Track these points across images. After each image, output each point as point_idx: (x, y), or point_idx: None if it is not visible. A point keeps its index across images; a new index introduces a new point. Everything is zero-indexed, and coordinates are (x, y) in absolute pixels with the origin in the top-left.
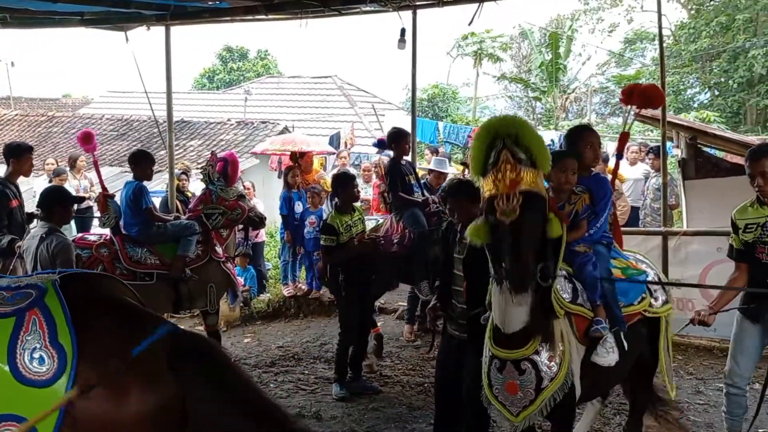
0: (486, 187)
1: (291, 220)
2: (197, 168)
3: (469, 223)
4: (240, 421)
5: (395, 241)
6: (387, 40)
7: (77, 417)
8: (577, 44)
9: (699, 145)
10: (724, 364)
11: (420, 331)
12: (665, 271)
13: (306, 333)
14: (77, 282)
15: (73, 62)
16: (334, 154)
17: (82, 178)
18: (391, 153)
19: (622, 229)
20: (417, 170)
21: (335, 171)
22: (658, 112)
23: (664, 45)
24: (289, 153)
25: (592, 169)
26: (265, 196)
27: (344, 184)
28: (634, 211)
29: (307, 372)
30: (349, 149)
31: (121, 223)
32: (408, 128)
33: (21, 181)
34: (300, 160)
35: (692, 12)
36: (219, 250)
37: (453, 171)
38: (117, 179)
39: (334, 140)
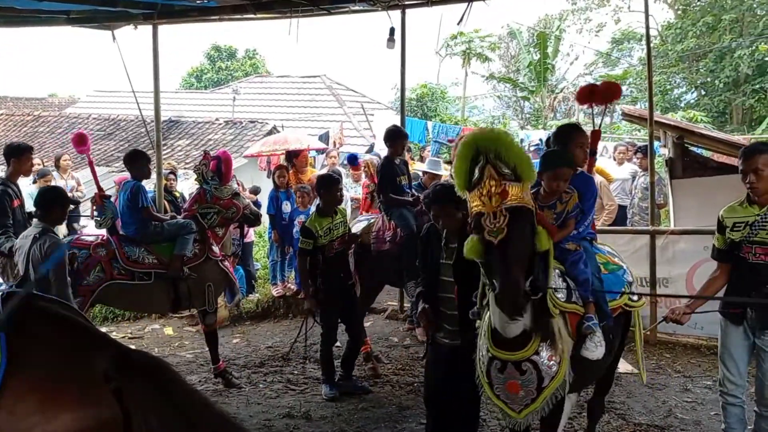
0: (472, 203)
1: (279, 219)
2: (185, 168)
3: (453, 228)
4: None
5: (388, 239)
6: (376, 40)
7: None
8: (565, 44)
9: (686, 145)
10: (711, 362)
11: (408, 330)
12: (653, 269)
13: (295, 333)
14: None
15: (59, 61)
16: (325, 151)
17: (69, 178)
18: (380, 153)
19: (611, 228)
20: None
21: (324, 171)
22: (645, 112)
23: (651, 45)
24: (281, 153)
25: (579, 168)
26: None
27: (327, 186)
28: (622, 210)
29: (296, 372)
30: (338, 149)
31: (118, 222)
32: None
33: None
34: (295, 159)
35: (679, 12)
36: (216, 248)
37: (446, 173)
38: (104, 179)
39: (323, 140)
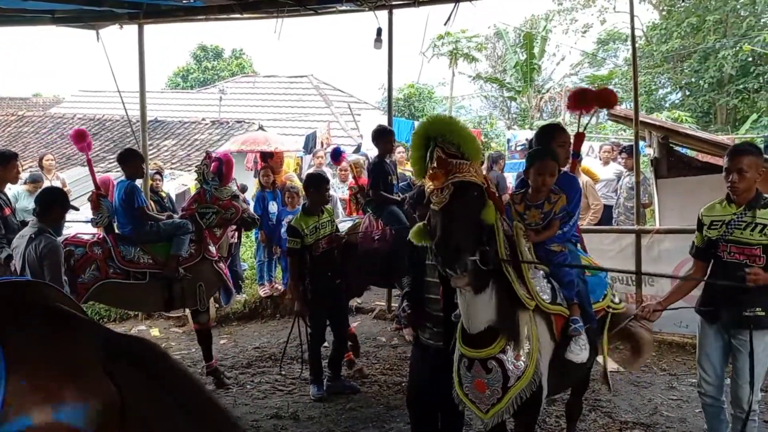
0: (427, 185)
1: (265, 219)
2: (171, 168)
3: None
4: (181, 423)
5: (376, 237)
6: (363, 40)
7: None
8: (551, 44)
9: (671, 145)
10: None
11: (396, 330)
12: (638, 268)
13: (283, 333)
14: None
15: (43, 61)
16: (300, 152)
17: (54, 179)
18: (368, 153)
19: (597, 227)
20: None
21: (311, 170)
22: (630, 112)
23: (637, 45)
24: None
25: (561, 168)
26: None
27: (317, 185)
28: (608, 209)
29: (284, 373)
30: (326, 149)
31: (114, 222)
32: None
33: None
34: (269, 160)
35: (664, 13)
36: (212, 249)
37: None
38: (88, 180)
39: (311, 140)
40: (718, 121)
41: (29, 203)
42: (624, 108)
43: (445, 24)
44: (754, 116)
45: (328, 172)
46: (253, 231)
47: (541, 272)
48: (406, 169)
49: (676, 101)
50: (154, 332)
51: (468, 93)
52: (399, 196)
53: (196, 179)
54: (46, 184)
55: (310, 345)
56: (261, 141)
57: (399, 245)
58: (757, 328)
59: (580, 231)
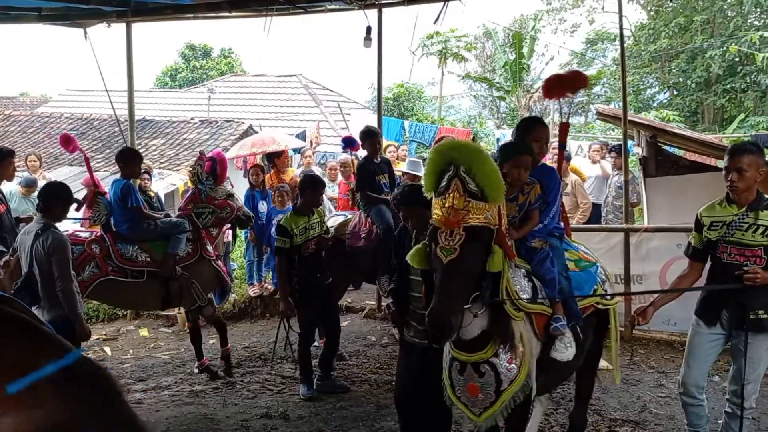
0: (434, 210)
1: (255, 219)
2: (159, 167)
3: (423, 229)
4: None
5: (362, 235)
6: (352, 39)
7: None
8: (540, 44)
9: (659, 144)
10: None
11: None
12: (627, 266)
13: (272, 333)
14: None
15: (30, 60)
16: (303, 147)
17: (41, 178)
18: (356, 153)
19: (585, 226)
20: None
21: (300, 170)
22: (619, 111)
23: (625, 45)
24: (258, 154)
25: (542, 161)
26: None
27: (314, 187)
28: (596, 208)
29: (273, 372)
30: (315, 148)
31: (111, 220)
32: (375, 127)
33: None
34: (276, 159)
35: (652, 13)
36: (210, 248)
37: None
38: (77, 179)
39: (300, 139)
40: (705, 121)
41: (21, 206)
42: (613, 107)
43: (434, 23)
44: (742, 116)
45: (317, 171)
46: (243, 230)
47: (522, 270)
48: (398, 169)
49: (664, 101)
50: (143, 332)
51: (457, 92)
52: (389, 195)
53: (190, 179)
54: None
55: (300, 345)
56: (269, 141)
57: (382, 244)
58: (758, 331)
59: (567, 223)
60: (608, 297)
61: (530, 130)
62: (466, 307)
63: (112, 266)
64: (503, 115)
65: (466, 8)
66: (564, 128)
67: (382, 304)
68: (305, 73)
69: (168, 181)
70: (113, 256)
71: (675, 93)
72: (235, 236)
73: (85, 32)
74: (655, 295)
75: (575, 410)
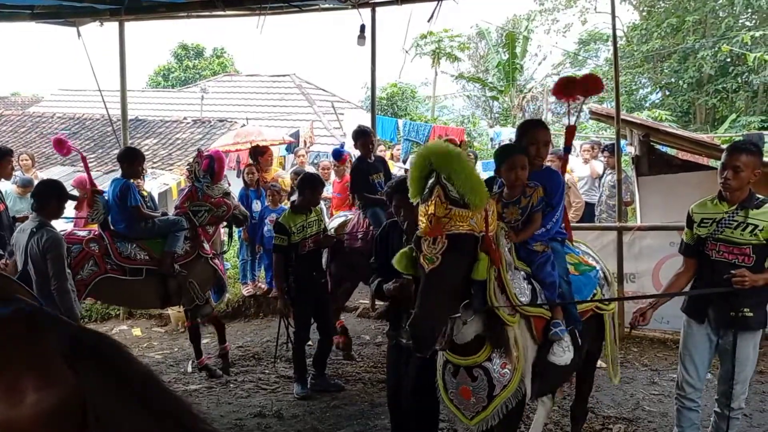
0: (419, 217)
1: (249, 218)
2: (152, 167)
3: (414, 222)
4: (144, 420)
5: (359, 236)
6: (345, 39)
7: None
8: (533, 44)
9: (651, 143)
10: (677, 356)
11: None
12: (620, 265)
13: (266, 332)
14: None
15: (22, 59)
16: (290, 143)
17: (34, 178)
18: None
19: (578, 224)
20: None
21: (293, 169)
22: (612, 110)
23: (617, 45)
24: (242, 149)
25: (544, 164)
26: None
27: (314, 187)
28: (589, 207)
29: (267, 371)
30: (308, 147)
31: (110, 219)
32: (368, 125)
33: None
34: (260, 158)
35: (644, 14)
36: (207, 246)
37: None
38: (69, 179)
39: (293, 139)
40: (697, 121)
41: (16, 206)
42: (605, 107)
43: (428, 21)
44: (733, 116)
45: (311, 171)
46: (237, 229)
47: (522, 273)
48: (399, 165)
49: (657, 101)
50: (136, 332)
51: (450, 92)
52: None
53: (187, 177)
54: None
55: (294, 343)
56: (254, 133)
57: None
58: (744, 329)
59: (569, 227)
60: (601, 292)
61: (527, 132)
62: (455, 315)
63: (110, 264)
64: (496, 114)
65: (459, 7)
66: (570, 132)
67: (376, 303)
68: (298, 73)
69: (161, 181)
70: (112, 254)
71: (667, 93)
72: (230, 236)
73: (78, 31)
74: (658, 298)
75: (575, 403)
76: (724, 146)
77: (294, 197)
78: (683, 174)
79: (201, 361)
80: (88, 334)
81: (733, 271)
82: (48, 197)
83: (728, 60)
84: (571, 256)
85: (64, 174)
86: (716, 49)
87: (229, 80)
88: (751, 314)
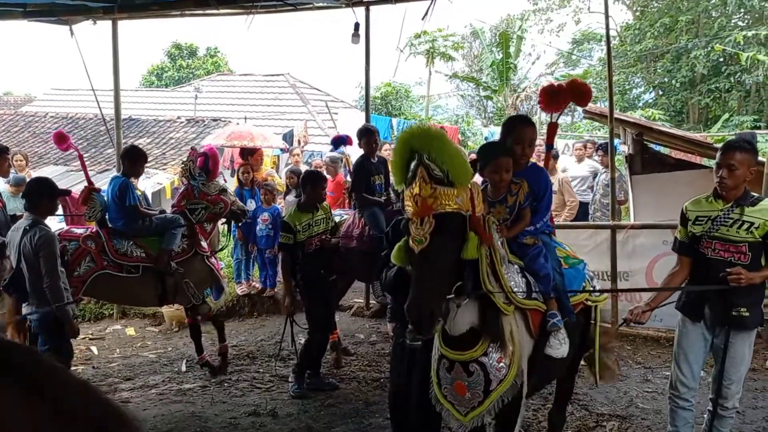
0: (406, 202)
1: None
2: (146, 166)
3: None
4: None
5: (355, 236)
6: (339, 39)
7: None
8: (526, 44)
9: (645, 142)
10: (670, 353)
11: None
12: (614, 263)
13: (260, 331)
14: None
15: (15, 59)
16: (283, 149)
17: (28, 177)
18: (344, 151)
19: (573, 223)
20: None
21: (289, 168)
22: (605, 109)
23: (611, 45)
24: (236, 147)
25: (531, 161)
26: None
27: (314, 182)
28: (584, 206)
29: (262, 370)
30: (302, 147)
31: (107, 216)
32: (362, 125)
33: None
34: (250, 157)
35: (637, 14)
36: (204, 244)
37: None
38: (63, 178)
39: (288, 138)
40: (690, 120)
41: (10, 204)
42: (599, 106)
43: (422, 19)
44: (726, 115)
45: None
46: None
47: (516, 266)
48: None
49: (650, 100)
50: (130, 331)
51: (445, 92)
52: (383, 196)
53: (183, 175)
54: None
55: (308, 344)
56: (245, 135)
57: (375, 250)
58: (740, 328)
59: (552, 220)
60: (598, 294)
61: (512, 130)
62: (448, 297)
63: (107, 261)
64: (490, 114)
65: (453, 6)
66: (552, 129)
67: (371, 302)
68: (292, 72)
69: (154, 180)
70: (108, 251)
71: (660, 93)
72: (230, 231)
73: (71, 29)
74: (650, 295)
75: (554, 409)
76: (717, 145)
77: (289, 196)
78: (676, 172)
79: (202, 357)
80: (13, 351)
81: (728, 269)
82: (39, 195)
83: (721, 59)
84: (559, 249)
85: (58, 173)
86: (709, 48)
87: (222, 80)
88: (747, 314)
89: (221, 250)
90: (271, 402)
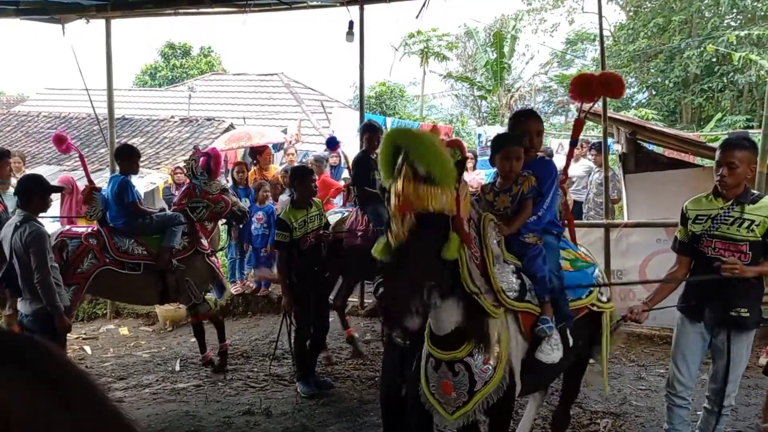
0: (391, 196)
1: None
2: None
3: None
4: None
5: (359, 234)
6: (333, 38)
7: None
8: (520, 44)
9: (638, 141)
10: (664, 351)
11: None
12: (607, 262)
13: (254, 331)
14: None
15: (7, 58)
16: (281, 143)
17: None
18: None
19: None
20: None
21: (283, 167)
22: (599, 109)
23: (604, 45)
24: (238, 148)
25: (539, 154)
26: None
27: (301, 177)
28: (577, 205)
29: (256, 369)
30: (293, 144)
31: (107, 215)
32: (356, 124)
33: None
34: (258, 156)
35: (630, 14)
36: (204, 242)
37: None
38: (55, 177)
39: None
40: (683, 120)
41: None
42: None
43: (416, 17)
44: (719, 115)
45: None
46: (225, 229)
47: (512, 266)
48: None
49: (643, 100)
50: (123, 331)
51: (439, 91)
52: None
53: (185, 174)
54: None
55: (296, 340)
56: (242, 136)
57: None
58: (740, 329)
59: (572, 225)
60: (598, 290)
61: (519, 123)
62: (423, 296)
63: (109, 258)
64: (484, 114)
65: (447, 5)
66: (579, 125)
67: (366, 300)
68: (286, 72)
69: (147, 180)
70: (110, 249)
71: (653, 92)
72: (230, 233)
73: (63, 28)
74: (647, 294)
75: (559, 408)
76: (711, 144)
77: (282, 196)
78: (669, 171)
79: (207, 356)
80: (11, 337)
81: (723, 259)
82: (30, 193)
83: (714, 59)
84: (568, 251)
85: (51, 173)
86: (702, 48)
87: (216, 79)
88: (747, 314)
89: (221, 250)
90: (266, 401)
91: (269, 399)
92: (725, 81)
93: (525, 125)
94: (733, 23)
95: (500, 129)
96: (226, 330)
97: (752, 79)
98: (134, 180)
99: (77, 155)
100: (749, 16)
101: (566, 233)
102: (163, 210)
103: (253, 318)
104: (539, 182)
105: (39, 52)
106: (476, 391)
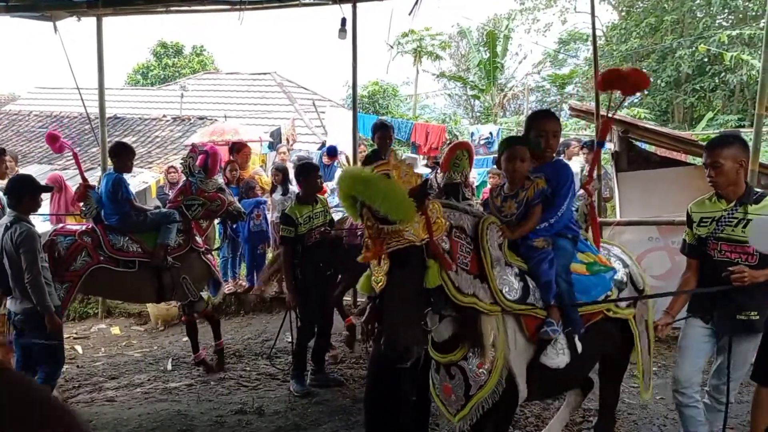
0: (363, 250)
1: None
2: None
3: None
4: None
5: (360, 233)
6: (326, 37)
7: None
8: (513, 44)
9: (630, 139)
10: (656, 349)
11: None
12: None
13: (247, 330)
14: None
15: None
16: (267, 142)
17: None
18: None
19: None
20: None
21: (275, 165)
22: (592, 107)
23: (597, 45)
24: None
25: (555, 156)
26: None
27: (306, 173)
28: None
29: (248, 369)
30: (291, 145)
31: (102, 213)
32: (349, 123)
33: None
34: (236, 155)
35: (623, 14)
36: (199, 240)
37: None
38: (45, 177)
39: (275, 136)
40: (675, 119)
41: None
42: (585, 104)
43: (409, 14)
44: (711, 114)
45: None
46: (218, 227)
47: (515, 268)
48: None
49: (635, 100)
50: (115, 330)
51: (432, 91)
52: None
53: (182, 171)
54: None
55: (298, 338)
56: (228, 131)
57: None
58: (749, 332)
59: (596, 226)
60: (622, 305)
61: (534, 123)
62: (423, 322)
63: (103, 256)
64: (478, 113)
65: (440, 3)
66: (606, 125)
67: (358, 299)
68: (279, 71)
69: (140, 179)
70: (104, 246)
71: (646, 92)
72: (225, 232)
73: (55, 26)
74: (671, 305)
75: (599, 422)
76: (702, 143)
77: (275, 194)
78: (661, 170)
79: (198, 355)
80: None
81: (730, 268)
82: (20, 193)
83: (706, 59)
84: (587, 254)
85: (42, 172)
86: (694, 48)
87: (208, 78)
88: (757, 317)
89: (217, 249)
90: (258, 400)
91: (261, 398)
92: (717, 80)
93: (542, 125)
94: (724, 23)
95: (493, 126)
96: None
97: (743, 78)
98: (127, 179)
99: (69, 154)
100: (740, 16)
101: (590, 235)
102: (158, 207)
103: (245, 317)
104: (554, 187)
105: (30, 51)
106: (472, 395)
